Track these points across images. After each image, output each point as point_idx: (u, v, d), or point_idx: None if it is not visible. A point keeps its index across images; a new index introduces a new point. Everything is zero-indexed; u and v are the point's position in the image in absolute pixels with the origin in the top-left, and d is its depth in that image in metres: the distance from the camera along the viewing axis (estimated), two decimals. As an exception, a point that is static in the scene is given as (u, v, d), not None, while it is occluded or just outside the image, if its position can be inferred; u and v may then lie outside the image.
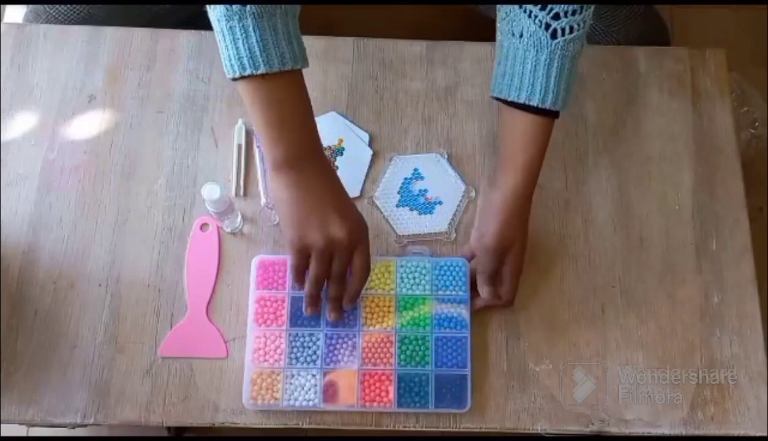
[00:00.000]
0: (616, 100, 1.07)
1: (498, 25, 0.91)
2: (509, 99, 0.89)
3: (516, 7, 0.86)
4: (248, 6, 0.77)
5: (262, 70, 0.79)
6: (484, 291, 0.94)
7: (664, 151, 1.05)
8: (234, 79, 0.81)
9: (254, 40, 0.78)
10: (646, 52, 1.10)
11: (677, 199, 1.02)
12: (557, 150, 1.04)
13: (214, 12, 0.79)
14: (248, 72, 0.79)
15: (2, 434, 1.36)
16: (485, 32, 1.30)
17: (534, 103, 0.87)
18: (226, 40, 0.79)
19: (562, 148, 1.05)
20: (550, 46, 0.85)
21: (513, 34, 0.88)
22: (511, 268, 0.93)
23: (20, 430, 1.43)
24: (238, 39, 0.78)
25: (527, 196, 0.92)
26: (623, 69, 1.09)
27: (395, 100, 1.07)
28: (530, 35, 0.86)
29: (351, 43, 1.09)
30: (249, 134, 1.03)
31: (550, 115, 0.89)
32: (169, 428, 1.36)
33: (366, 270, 0.90)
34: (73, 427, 0.94)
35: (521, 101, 0.88)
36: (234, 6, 0.77)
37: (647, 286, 0.98)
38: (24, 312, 0.95)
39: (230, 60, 0.80)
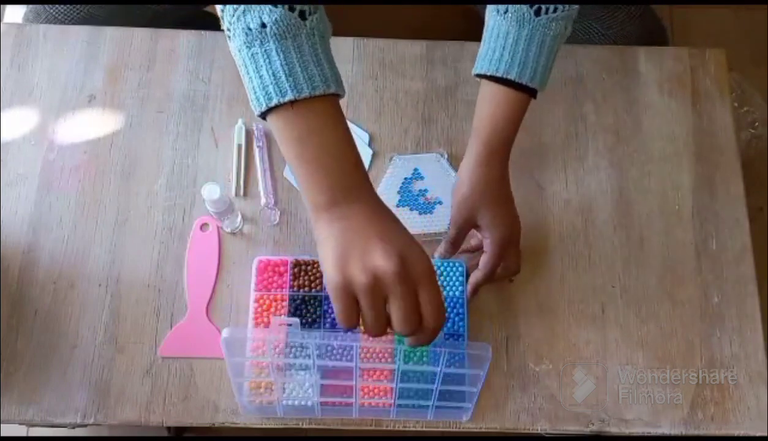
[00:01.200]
0: (616, 100, 1.07)
1: (487, 7, 0.90)
2: (488, 73, 0.87)
3: None
4: (269, 27, 0.67)
5: (289, 96, 0.68)
6: (444, 251, 0.96)
7: (664, 151, 1.05)
8: (263, 116, 0.71)
9: (278, 65, 0.68)
10: (646, 52, 1.10)
11: (677, 199, 1.03)
12: (557, 150, 1.04)
13: (234, 42, 0.70)
14: (275, 101, 0.68)
15: (2, 434, 1.36)
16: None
17: (511, 76, 0.86)
18: (249, 70, 0.69)
19: (562, 148, 1.05)
20: (533, 22, 0.85)
21: (498, 12, 0.87)
22: (496, 234, 0.91)
23: (20, 430, 1.43)
24: (261, 66, 0.68)
25: (493, 164, 0.90)
26: (623, 69, 1.09)
27: (395, 100, 1.07)
28: (515, 11, 0.85)
29: (351, 43, 1.09)
30: (249, 134, 1.03)
31: (527, 91, 0.88)
32: (169, 428, 1.36)
33: (437, 308, 0.70)
34: (73, 427, 0.94)
35: (499, 74, 0.87)
36: (254, 30, 0.68)
37: (647, 286, 0.98)
38: (24, 312, 0.95)
39: (255, 92, 0.69)
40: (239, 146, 1.02)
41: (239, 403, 0.89)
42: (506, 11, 0.86)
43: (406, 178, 1.02)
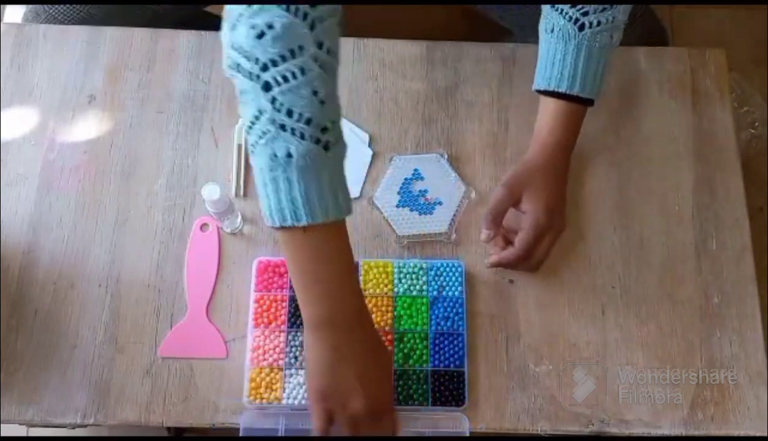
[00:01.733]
0: (616, 100, 1.07)
1: (539, 28, 0.97)
2: (541, 88, 0.95)
3: (550, 7, 0.93)
4: (295, 159, 0.70)
5: (303, 222, 0.72)
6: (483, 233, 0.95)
7: (664, 151, 1.05)
8: (274, 228, 0.75)
9: (297, 193, 0.71)
10: (646, 52, 1.10)
11: (677, 200, 1.02)
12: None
13: (257, 161, 0.72)
14: (289, 224, 0.72)
15: (2, 434, 1.36)
16: (485, 33, 1.31)
17: (562, 89, 0.93)
18: (267, 189, 0.72)
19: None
20: (578, 37, 0.91)
21: (546, 31, 0.94)
22: (539, 208, 0.93)
23: (20, 430, 1.43)
24: (281, 190, 0.71)
25: (550, 163, 0.96)
26: (623, 69, 1.09)
27: (395, 101, 1.07)
28: (560, 29, 0.92)
29: (351, 44, 1.09)
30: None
31: (580, 101, 0.94)
32: (168, 428, 1.36)
33: (390, 433, 0.83)
34: (73, 427, 0.94)
35: (551, 89, 0.94)
36: (279, 158, 0.70)
37: (647, 286, 0.98)
38: (24, 312, 0.95)
39: (270, 210, 0.73)
40: (239, 146, 1.02)
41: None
42: (552, 30, 0.93)
43: (406, 179, 1.02)
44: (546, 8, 0.94)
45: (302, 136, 0.70)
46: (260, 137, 0.71)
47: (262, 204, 0.74)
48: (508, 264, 0.96)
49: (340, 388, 0.78)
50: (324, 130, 0.71)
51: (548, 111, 0.96)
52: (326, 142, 0.71)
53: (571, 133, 0.96)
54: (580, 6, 0.90)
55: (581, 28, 0.91)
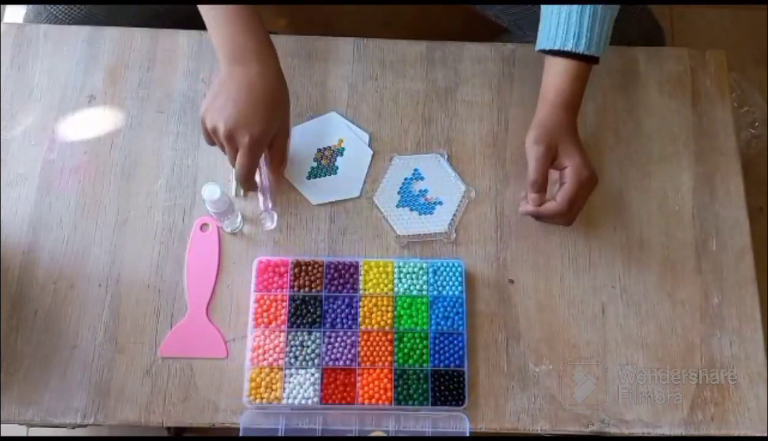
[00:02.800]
0: (616, 100, 1.07)
1: None
2: (546, 48, 0.95)
3: None
4: None
5: None
6: (532, 196, 0.93)
7: (664, 151, 1.05)
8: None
9: None
10: (646, 52, 1.10)
11: (677, 200, 1.02)
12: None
13: None
14: None
15: (2, 434, 1.36)
16: (485, 32, 1.30)
17: (568, 48, 0.92)
18: None
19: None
20: None
21: None
22: (578, 162, 0.92)
23: (20, 430, 1.43)
24: None
25: (562, 119, 0.94)
26: (623, 69, 1.09)
27: (395, 101, 1.07)
28: None
29: (351, 43, 1.09)
30: None
31: (586, 60, 0.94)
32: (168, 428, 1.36)
33: (242, 167, 0.93)
34: (73, 427, 0.94)
35: (557, 48, 0.93)
36: None
37: (647, 286, 0.98)
38: (24, 312, 0.95)
39: None
40: (236, 146, 1.02)
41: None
42: None
43: (406, 179, 1.02)
44: None
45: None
46: None
47: None
48: (546, 216, 0.94)
49: (216, 103, 0.91)
50: None
51: (555, 71, 0.95)
52: None
53: (577, 92, 0.95)
54: None
55: None
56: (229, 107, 0.90)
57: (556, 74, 0.95)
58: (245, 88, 0.91)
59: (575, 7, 0.92)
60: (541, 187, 0.93)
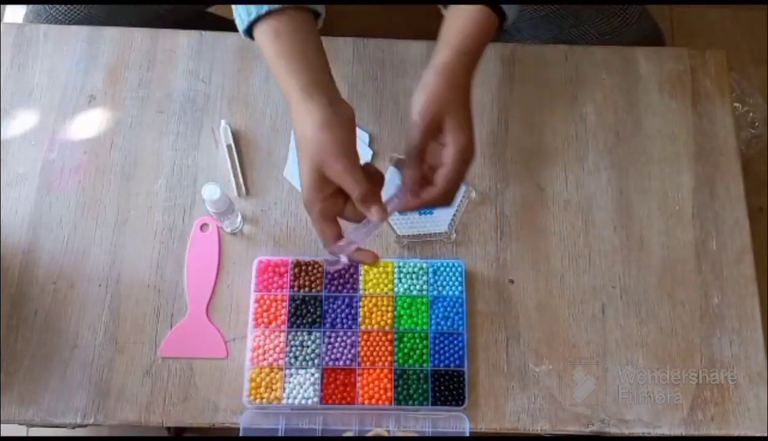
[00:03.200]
0: (616, 100, 1.07)
1: None
2: None
3: None
4: None
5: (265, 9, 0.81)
6: (406, 174, 0.82)
7: (664, 151, 1.05)
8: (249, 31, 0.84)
9: None
10: (646, 52, 1.10)
11: (677, 200, 1.02)
12: (557, 151, 1.04)
13: None
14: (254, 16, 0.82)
15: (2, 434, 1.36)
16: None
17: None
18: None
19: (562, 148, 1.05)
20: None
21: None
22: (462, 140, 0.81)
23: (20, 430, 1.43)
24: None
25: (460, 72, 0.83)
26: (623, 70, 1.09)
27: (395, 101, 1.06)
28: None
29: (351, 44, 1.09)
30: (236, 134, 1.03)
31: (497, 13, 0.86)
32: (168, 428, 1.36)
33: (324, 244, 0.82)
34: (73, 427, 0.94)
35: None
36: None
37: (647, 286, 0.98)
38: (24, 312, 0.95)
39: (240, 16, 0.84)
40: (229, 147, 1.02)
41: None
42: None
43: (406, 179, 1.02)
44: None
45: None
46: None
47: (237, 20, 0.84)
48: (427, 205, 0.84)
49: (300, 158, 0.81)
50: None
51: (463, 14, 0.86)
52: None
53: (480, 40, 0.86)
54: None
55: None
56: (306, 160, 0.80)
57: (464, 18, 0.85)
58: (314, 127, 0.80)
59: None
60: (414, 170, 0.82)
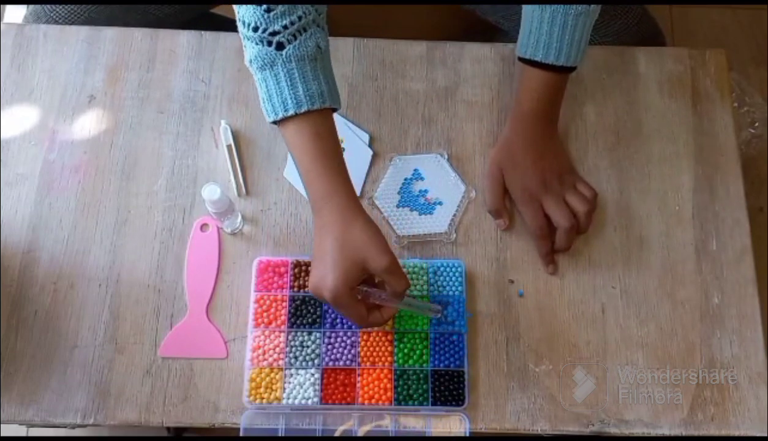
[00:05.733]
0: (616, 100, 1.07)
1: None
2: (518, 55, 0.97)
3: None
4: (252, 61, 0.85)
5: (278, 116, 0.84)
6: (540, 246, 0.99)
7: (664, 151, 1.05)
8: (275, 123, 0.86)
9: (262, 91, 0.86)
10: (646, 52, 1.10)
11: (677, 200, 1.02)
12: (557, 150, 1.04)
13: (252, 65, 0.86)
14: (271, 118, 0.85)
15: (2, 434, 1.36)
16: (485, 36, 1.30)
17: (538, 58, 0.94)
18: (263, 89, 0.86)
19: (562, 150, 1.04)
20: (552, 6, 0.92)
21: None
22: (516, 184, 0.98)
23: (20, 430, 1.43)
24: (258, 89, 0.86)
25: (531, 136, 0.98)
26: (623, 70, 1.09)
27: (395, 101, 1.06)
28: None
29: (351, 44, 1.09)
30: (236, 134, 1.03)
31: (559, 70, 0.95)
32: (168, 428, 1.36)
33: (359, 323, 0.87)
34: (73, 427, 0.94)
35: (527, 57, 0.95)
36: (247, 63, 0.86)
37: (647, 286, 0.98)
38: (24, 312, 0.95)
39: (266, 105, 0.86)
40: (229, 147, 1.02)
41: None
42: None
43: (406, 179, 1.02)
44: None
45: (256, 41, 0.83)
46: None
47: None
48: (559, 248, 0.98)
49: (314, 280, 0.85)
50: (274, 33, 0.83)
51: (525, 79, 0.97)
52: (279, 43, 0.83)
53: (547, 103, 0.97)
54: None
55: None
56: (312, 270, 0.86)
57: (525, 83, 0.97)
58: (316, 247, 0.86)
59: (547, 15, 0.92)
60: (497, 214, 1.00)
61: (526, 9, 0.95)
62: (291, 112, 0.83)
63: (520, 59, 0.96)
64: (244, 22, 0.84)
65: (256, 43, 0.84)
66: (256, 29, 0.83)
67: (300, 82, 0.84)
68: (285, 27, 0.82)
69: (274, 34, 0.83)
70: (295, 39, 0.83)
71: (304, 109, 0.83)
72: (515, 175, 0.98)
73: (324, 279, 0.83)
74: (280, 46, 0.83)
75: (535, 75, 0.96)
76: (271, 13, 0.82)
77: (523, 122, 0.98)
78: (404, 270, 0.96)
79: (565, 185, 0.98)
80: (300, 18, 0.83)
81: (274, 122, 0.86)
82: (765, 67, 1.80)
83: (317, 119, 0.85)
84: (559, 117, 1.01)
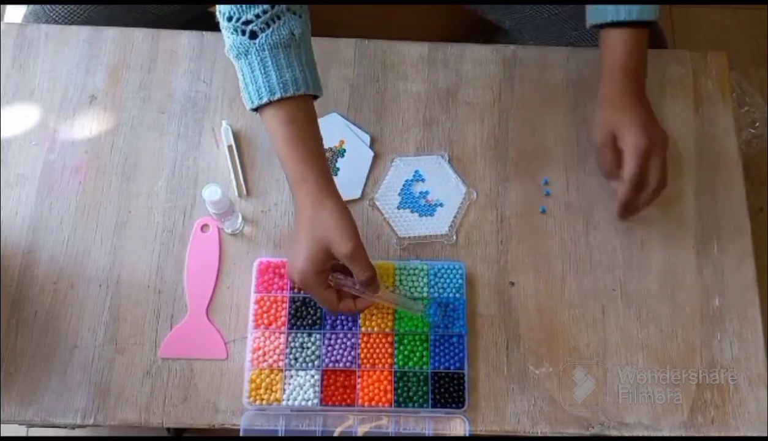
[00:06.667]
0: (617, 102, 1.07)
1: None
2: (596, 22, 0.98)
3: None
4: (229, 49, 0.87)
5: (256, 103, 0.86)
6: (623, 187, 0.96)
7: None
8: (255, 108, 0.87)
9: (240, 77, 0.87)
10: (647, 55, 1.10)
11: (678, 202, 1.02)
12: (558, 153, 1.04)
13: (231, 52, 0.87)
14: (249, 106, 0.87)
15: (2, 434, 1.36)
16: (486, 35, 1.30)
17: (621, 18, 0.94)
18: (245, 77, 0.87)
19: (564, 150, 1.05)
20: None
21: None
22: (630, 138, 0.94)
23: (20, 430, 1.43)
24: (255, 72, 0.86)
25: (628, 92, 0.96)
26: (625, 71, 1.09)
27: (396, 102, 1.06)
28: None
29: (352, 45, 1.09)
30: (236, 135, 1.03)
31: (639, 25, 0.96)
32: (168, 428, 1.36)
33: (328, 308, 0.89)
34: (73, 428, 0.94)
35: (607, 21, 0.96)
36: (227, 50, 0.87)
37: (648, 288, 0.98)
38: (24, 312, 0.95)
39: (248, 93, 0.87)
40: (230, 147, 1.02)
41: None
42: None
43: (407, 180, 1.02)
44: None
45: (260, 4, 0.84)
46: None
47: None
48: (631, 202, 0.96)
49: (288, 264, 0.89)
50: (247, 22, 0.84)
51: (609, 42, 0.97)
52: (252, 31, 0.84)
53: (635, 58, 0.97)
54: None
55: None
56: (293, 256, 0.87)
57: (610, 46, 0.97)
58: (292, 231, 0.91)
59: None
60: (614, 176, 0.97)
61: None
62: (265, 100, 0.85)
63: (598, 26, 0.98)
64: (221, 12, 0.86)
65: (232, 33, 0.85)
66: (230, 18, 0.85)
67: (273, 69, 0.85)
68: (257, 15, 0.84)
69: (247, 23, 0.84)
70: (268, 27, 0.84)
71: (277, 96, 0.84)
72: (631, 132, 0.94)
73: (294, 262, 0.85)
74: (253, 35, 0.84)
75: (618, 36, 0.96)
76: (245, 3, 0.84)
77: (623, 80, 0.97)
78: (405, 272, 0.96)
79: (657, 142, 0.96)
80: (273, 6, 0.84)
81: (254, 110, 0.87)
82: (765, 67, 1.80)
83: (291, 106, 0.86)
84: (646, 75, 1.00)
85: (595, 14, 0.98)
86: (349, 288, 0.87)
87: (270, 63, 0.85)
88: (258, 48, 0.84)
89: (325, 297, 0.87)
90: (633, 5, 0.94)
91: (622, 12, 0.94)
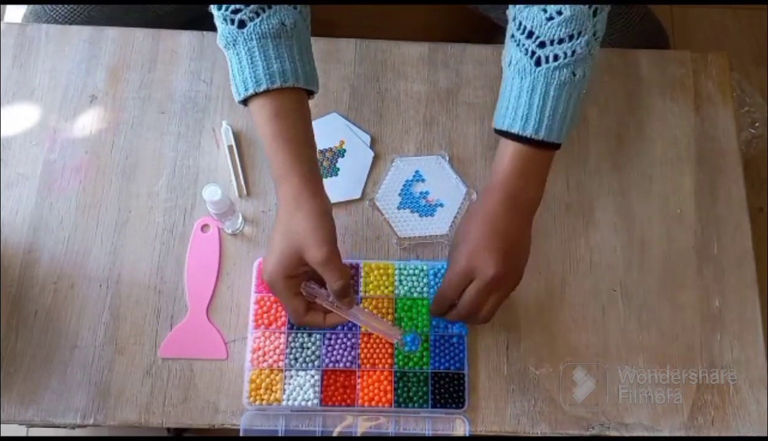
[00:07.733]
0: (617, 103, 1.07)
1: (502, 61, 0.90)
2: (495, 127, 0.88)
3: (510, 38, 0.87)
4: (219, 39, 0.85)
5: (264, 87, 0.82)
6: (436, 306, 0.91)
7: (665, 154, 1.05)
8: (244, 101, 0.84)
9: (230, 67, 0.85)
10: (648, 55, 1.10)
11: (679, 203, 1.02)
12: (558, 153, 1.03)
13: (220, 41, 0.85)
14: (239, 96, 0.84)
15: (2, 434, 1.36)
16: (487, 34, 1.30)
17: (514, 130, 0.84)
18: (233, 67, 0.84)
19: (564, 151, 1.03)
20: (534, 73, 0.84)
21: (507, 64, 0.88)
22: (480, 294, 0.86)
23: (20, 430, 1.43)
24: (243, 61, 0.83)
25: (505, 217, 0.86)
26: (625, 72, 1.09)
27: (397, 102, 1.06)
28: (516, 62, 0.85)
29: (353, 45, 1.09)
30: (237, 135, 1.03)
31: (540, 145, 0.85)
32: (168, 428, 1.36)
33: (293, 317, 0.87)
34: (73, 428, 0.94)
35: (504, 129, 0.86)
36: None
37: (648, 289, 0.98)
38: (24, 312, 0.95)
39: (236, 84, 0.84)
40: (230, 147, 1.02)
41: None
42: (510, 63, 0.86)
43: (407, 180, 1.02)
44: (507, 39, 0.88)
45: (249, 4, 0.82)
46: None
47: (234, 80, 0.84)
48: (450, 318, 0.91)
49: (263, 260, 0.86)
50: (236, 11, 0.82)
51: (503, 154, 0.87)
52: (241, 20, 0.82)
53: (529, 181, 0.86)
54: (535, 36, 0.83)
55: (537, 63, 0.83)
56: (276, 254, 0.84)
57: (503, 158, 0.86)
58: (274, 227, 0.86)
59: (526, 85, 0.84)
60: (448, 302, 0.89)
61: (504, 75, 0.88)
62: (251, 91, 0.82)
63: (497, 131, 0.88)
64: (213, 2, 0.84)
65: (221, 22, 0.83)
66: (220, 7, 0.83)
67: (260, 60, 0.82)
68: (246, 3, 0.82)
69: (236, 12, 0.82)
70: (258, 16, 0.82)
71: (263, 87, 0.82)
72: (482, 273, 0.85)
73: (265, 263, 0.84)
74: (241, 24, 0.82)
75: (514, 150, 0.86)
76: None
77: (494, 204, 0.87)
78: (405, 272, 0.96)
79: (499, 288, 0.87)
80: None
81: (242, 103, 0.85)
82: (765, 67, 1.80)
83: (280, 99, 0.83)
84: (536, 207, 0.89)
85: (496, 118, 0.88)
86: (321, 300, 0.86)
87: (257, 53, 0.82)
88: (246, 37, 0.82)
89: (291, 304, 0.85)
90: (541, 119, 0.83)
91: (518, 122, 0.84)
